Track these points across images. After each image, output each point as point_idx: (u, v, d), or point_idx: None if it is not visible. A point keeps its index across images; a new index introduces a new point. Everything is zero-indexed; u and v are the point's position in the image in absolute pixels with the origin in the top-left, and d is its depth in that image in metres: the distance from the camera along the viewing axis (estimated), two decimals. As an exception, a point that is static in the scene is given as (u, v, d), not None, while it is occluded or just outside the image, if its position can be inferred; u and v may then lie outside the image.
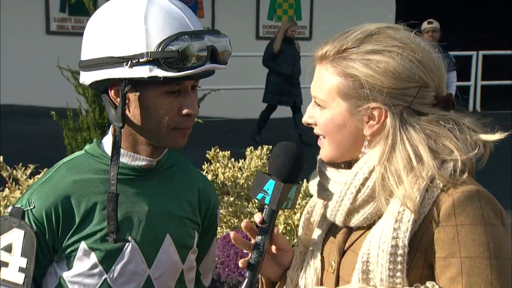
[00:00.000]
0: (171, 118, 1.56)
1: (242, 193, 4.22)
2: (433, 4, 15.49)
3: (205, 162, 4.46)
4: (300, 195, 3.73)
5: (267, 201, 1.43)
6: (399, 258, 1.32)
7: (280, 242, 1.54)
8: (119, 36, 1.51)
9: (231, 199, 3.98)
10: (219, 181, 4.25)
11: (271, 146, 4.66)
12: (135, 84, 1.53)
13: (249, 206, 4.03)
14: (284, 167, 1.44)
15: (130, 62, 1.49)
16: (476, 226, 1.31)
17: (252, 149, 4.65)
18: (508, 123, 1.43)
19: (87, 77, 1.59)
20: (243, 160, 4.60)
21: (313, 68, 1.49)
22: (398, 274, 1.32)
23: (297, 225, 3.74)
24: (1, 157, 4.17)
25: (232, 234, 1.51)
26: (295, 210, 3.73)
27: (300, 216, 3.75)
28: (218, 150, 4.50)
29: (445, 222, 1.32)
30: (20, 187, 4.09)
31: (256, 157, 4.57)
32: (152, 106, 1.55)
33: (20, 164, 4.25)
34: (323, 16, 13.22)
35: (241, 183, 4.26)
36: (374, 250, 1.34)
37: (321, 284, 1.49)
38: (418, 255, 1.35)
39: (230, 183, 4.19)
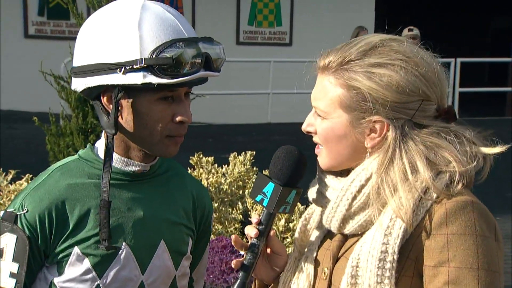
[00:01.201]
0: (164, 126, 1.56)
1: (225, 199, 4.20)
2: (412, 11, 15.63)
3: (188, 168, 4.44)
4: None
5: (265, 203, 1.44)
6: (388, 265, 1.32)
7: (276, 245, 1.54)
8: (113, 42, 1.50)
9: (215, 205, 3.96)
10: (203, 187, 4.23)
11: (254, 152, 4.66)
12: (128, 90, 1.52)
13: (233, 212, 4.01)
14: (284, 171, 1.45)
15: (123, 68, 1.48)
16: (467, 236, 1.30)
17: (236, 155, 4.64)
18: (484, 130, 1.44)
19: (79, 84, 1.58)
20: (226, 165, 4.58)
21: (313, 77, 1.48)
22: (386, 281, 1.32)
23: (282, 231, 3.75)
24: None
25: (233, 237, 1.50)
26: (279, 216, 3.73)
27: (285, 222, 3.75)
28: (201, 156, 4.48)
29: (436, 230, 1.32)
30: (1, 192, 4.03)
31: (239, 163, 4.56)
32: (145, 113, 1.54)
33: (1, 169, 4.19)
34: (304, 22, 13.28)
35: (224, 189, 4.24)
36: (364, 255, 1.34)
37: None
38: (409, 263, 1.34)
39: (213, 189, 4.17)
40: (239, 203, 4.08)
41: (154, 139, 1.57)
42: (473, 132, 1.42)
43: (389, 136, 1.38)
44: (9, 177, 4.13)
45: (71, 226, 1.57)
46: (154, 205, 1.66)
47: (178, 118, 1.56)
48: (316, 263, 1.50)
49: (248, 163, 4.55)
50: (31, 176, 4.07)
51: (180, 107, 1.56)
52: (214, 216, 3.89)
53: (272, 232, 1.50)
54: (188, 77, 1.50)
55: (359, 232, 1.41)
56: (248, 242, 1.50)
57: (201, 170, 4.40)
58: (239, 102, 10.81)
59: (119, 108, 1.55)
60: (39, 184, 1.59)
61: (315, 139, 1.49)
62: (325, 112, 1.43)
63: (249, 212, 3.86)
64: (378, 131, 1.40)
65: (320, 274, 1.48)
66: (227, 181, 4.35)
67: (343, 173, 1.49)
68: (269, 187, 1.43)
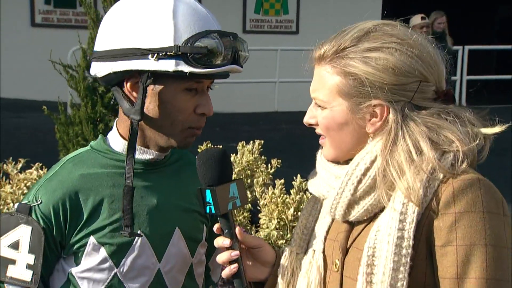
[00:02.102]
0: (186, 116, 1.57)
1: (234, 188, 4.20)
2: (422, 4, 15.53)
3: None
4: (294, 190, 3.73)
5: (213, 210, 1.45)
6: (404, 251, 1.32)
7: (248, 241, 1.53)
8: (147, 28, 1.51)
9: (224, 194, 3.95)
10: (211, 176, 4.23)
11: (262, 141, 4.65)
12: (156, 78, 1.53)
13: (242, 201, 4.01)
14: (210, 173, 1.46)
15: (156, 54, 1.49)
16: (475, 213, 1.31)
17: (244, 144, 4.63)
18: (493, 118, 1.45)
19: (103, 68, 1.57)
20: (234, 154, 4.58)
21: (311, 68, 1.48)
22: (402, 268, 1.32)
23: (291, 220, 3.75)
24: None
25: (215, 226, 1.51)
26: (288, 205, 3.73)
27: (294, 211, 3.73)
28: (210, 145, 4.48)
29: (444, 210, 1.33)
30: (10, 181, 4.05)
31: (248, 152, 4.56)
32: (170, 102, 1.55)
33: (11, 158, 4.20)
34: (310, 10, 13.23)
35: (233, 178, 4.24)
36: (381, 243, 1.34)
37: (325, 284, 1.49)
38: (421, 245, 1.35)
39: (222, 178, 4.16)
40: (248, 192, 4.09)
41: (175, 129, 1.58)
42: (472, 112, 1.43)
43: (390, 118, 1.39)
44: (19, 166, 4.14)
45: (85, 216, 1.57)
46: (167, 193, 1.67)
47: (200, 110, 1.58)
48: (325, 256, 1.50)
49: (256, 152, 4.55)
50: (40, 165, 4.09)
51: (203, 100, 1.58)
52: (223, 205, 3.88)
53: (237, 230, 1.49)
54: (220, 68, 1.53)
55: (365, 218, 1.42)
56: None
57: (210, 159, 4.39)
58: (246, 91, 10.79)
59: (140, 94, 1.54)
60: (52, 176, 1.60)
61: (318, 130, 1.49)
62: (324, 102, 1.44)
63: (258, 201, 3.87)
64: (378, 115, 1.40)
65: (331, 267, 1.48)
66: (236, 169, 4.35)
67: (344, 162, 1.49)
68: (207, 195, 1.45)
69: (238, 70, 1.58)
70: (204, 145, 4.48)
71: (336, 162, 1.49)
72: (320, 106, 1.46)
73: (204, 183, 1.46)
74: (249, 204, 3.98)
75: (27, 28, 12.64)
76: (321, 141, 1.50)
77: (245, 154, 4.56)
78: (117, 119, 1.67)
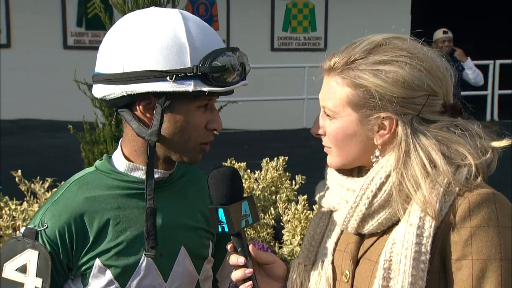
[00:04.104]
0: (198, 133, 1.58)
1: (258, 204, 4.21)
2: (449, 14, 15.44)
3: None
4: (317, 205, 3.72)
5: (226, 229, 1.45)
6: (422, 265, 1.33)
7: (261, 257, 1.53)
8: (161, 50, 1.50)
9: (247, 210, 3.96)
10: (235, 193, 4.24)
11: (286, 157, 4.66)
12: (172, 98, 1.53)
13: (265, 217, 4.02)
14: (221, 192, 1.46)
15: (175, 76, 1.49)
16: (490, 228, 1.32)
17: (268, 160, 4.64)
18: (500, 131, 1.45)
19: (115, 91, 1.54)
20: (259, 171, 4.59)
21: (321, 79, 1.50)
22: (420, 282, 1.33)
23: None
24: (20, 171, 4.20)
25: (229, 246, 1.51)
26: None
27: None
28: (233, 161, 4.50)
29: (460, 224, 1.33)
30: (38, 200, 4.11)
31: (272, 168, 4.56)
32: (185, 120, 1.56)
33: (38, 177, 4.28)
34: (338, 27, 13.24)
35: (257, 194, 4.25)
36: (397, 256, 1.35)
37: None
38: (436, 258, 1.35)
39: (245, 195, 4.18)
40: (271, 208, 4.09)
41: (189, 145, 1.59)
42: (480, 125, 1.43)
43: (398, 131, 1.40)
44: (46, 185, 4.21)
45: (91, 239, 1.58)
46: (171, 212, 1.67)
47: (211, 126, 1.59)
48: (333, 267, 1.50)
49: (280, 168, 4.55)
50: (67, 183, 4.13)
51: (214, 115, 1.60)
52: (246, 221, 3.89)
53: (250, 247, 1.49)
54: (235, 85, 1.55)
55: (378, 231, 1.42)
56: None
57: (234, 176, 4.40)
58: (274, 108, 10.81)
59: (157, 115, 1.54)
60: (58, 199, 1.61)
61: (325, 141, 1.50)
62: (334, 112, 1.45)
63: (281, 217, 3.86)
64: (387, 128, 1.41)
65: (340, 278, 1.48)
66: (260, 186, 4.36)
67: (354, 173, 1.50)
68: (220, 213, 1.44)
69: (246, 84, 1.60)
70: (228, 162, 4.51)
71: (343, 171, 1.50)
72: (328, 116, 1.47)
73: (217, 202, 1.46)
74: (273, 220, 3.98)
75: (60, 50, 12.90)
76: (326, 149, 1.51)
77: (269, 171, 4.57)
78: (121, 139, 1.66)
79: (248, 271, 1.46)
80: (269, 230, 3.92)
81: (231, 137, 10.91)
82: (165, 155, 1.61)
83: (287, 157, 4.65)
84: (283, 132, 9.91)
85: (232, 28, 13.05)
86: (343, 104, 1.43)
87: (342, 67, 1.43)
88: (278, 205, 4.02)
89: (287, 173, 4.56)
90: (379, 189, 1.39)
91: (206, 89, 1.50)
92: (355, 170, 1.51)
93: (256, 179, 4.51)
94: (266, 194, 4.32)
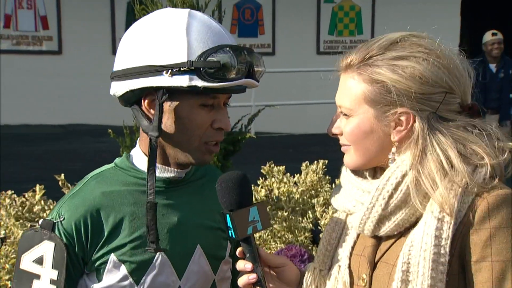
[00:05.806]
0: (203, 131, 1.58)
1: (297, 208, 4.17)
2: (499, 16, 15.09)
3: (260, 178, 4.45)
4: (319, 208, 3.66)
5: (234, 235, 1.44)
6: (441, 267, 1.31)
7: (272, 260, 1.52)
8: (160, 45, 1.53)
9: (285, 214, 3.94)
10: (274, 196, 4.22)
11: (326, 161, 4.61)
12: (172, 94, 1.54)
13: (303, 221, 3.98)
14: (229, 197, 1.45)
15: (170, 70, 1.50)
16: (510, 229, 1.30)
17: (308, 164, 4.60)
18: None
19: (121, 87, 1.59)
20: (298, 175, 4.56)
21: (337, 78, 1.49)
22: (439, 284, 1.31)
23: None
24: (63, 174, 4.27)
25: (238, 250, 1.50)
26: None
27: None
28: (273, 165, 4.48)
29: (479, 225, 1.31)
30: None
31: (312, 172, 4.52)
32: (187, 118, 1.56)
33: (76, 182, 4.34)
34: (385, 29, 13.07)
35: (296, 198, 4.22)
36: (415, 258, 1.33)
37: None
38: (454, 260, 1.33)
39: (284, 198, 4.15)
40: (309, 212, 4.05)
41: (192, 144, 1.59)
42: (498, 126, 1.41)
43: (416, 127, 1.38)
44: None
45: (106, 234, 1.59)
46: (189, 211, 1.67)
47: (217, 125, 1.58)
48: (350, 271, 1.47)
49: (320, 172, 4.51)
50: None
51: (220, 114, 1.59)
52: (284, 225, 3.87)
53: (261, 250, 1.48)
54: (233, 82, 1.53)
55: (395, 233, 1.40)
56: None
57: (273, 179, 4.39)
58: (320, 112, 10.70)
59: (156, 111, 1.56)
60: (75, 193, 1.63)
61: (342, 140, 1.48)
62: (350, 110, 1.43)
63: (319, 221, 3.82)
64: (404, 123, 1.39)
65: (357, 282, 1.46)
66: (299, 190, 4.33)
67: (370, 176, 1.48)
68: (228, 219, 1.44)
69: (253, 84, 1.58)
70: (267, 165, 4.49)
71: (357, 172, 1.48)
72: (345, 115, 1.46)
73: (224, 207, 1.46)
74: (311, 224, 3.95)
75: (109, 56, 13.12)
76: (343, 148, 1.49)
77: (309, 174, 4.53)
78: (139, 137, 1.69)
79: (252, 277, 1.45)
80: (307, 234, 3.88)
81: (276, 141, 10.91)
82: (174, 154, 1.62)
83: (327, 161, 4.60)
84: (327, 135, 9.83)
85: (277, 32, 13.04)
86: (359, 101, 1.42)
87: (359, 63, 1.42)
88: (316, 209, 3.98)
89: (327, 177, 4.52)
90: (395, 189, 1.37)
91: (201, 84, 1.50)
92: (370, 173, 1.49)
93: (295, 183, 4.48)
94: (305, 197, 4.28)
